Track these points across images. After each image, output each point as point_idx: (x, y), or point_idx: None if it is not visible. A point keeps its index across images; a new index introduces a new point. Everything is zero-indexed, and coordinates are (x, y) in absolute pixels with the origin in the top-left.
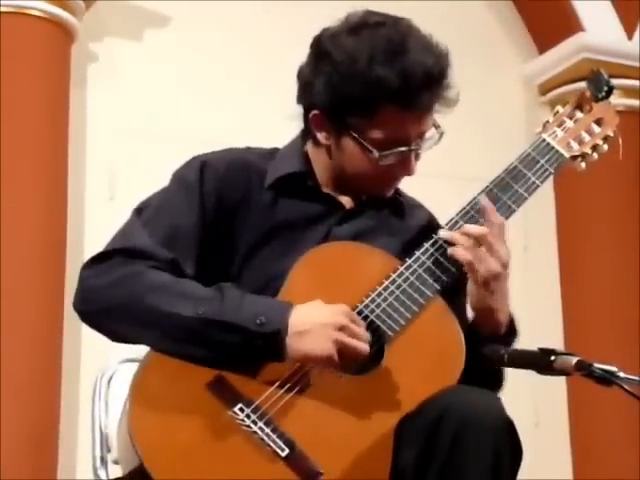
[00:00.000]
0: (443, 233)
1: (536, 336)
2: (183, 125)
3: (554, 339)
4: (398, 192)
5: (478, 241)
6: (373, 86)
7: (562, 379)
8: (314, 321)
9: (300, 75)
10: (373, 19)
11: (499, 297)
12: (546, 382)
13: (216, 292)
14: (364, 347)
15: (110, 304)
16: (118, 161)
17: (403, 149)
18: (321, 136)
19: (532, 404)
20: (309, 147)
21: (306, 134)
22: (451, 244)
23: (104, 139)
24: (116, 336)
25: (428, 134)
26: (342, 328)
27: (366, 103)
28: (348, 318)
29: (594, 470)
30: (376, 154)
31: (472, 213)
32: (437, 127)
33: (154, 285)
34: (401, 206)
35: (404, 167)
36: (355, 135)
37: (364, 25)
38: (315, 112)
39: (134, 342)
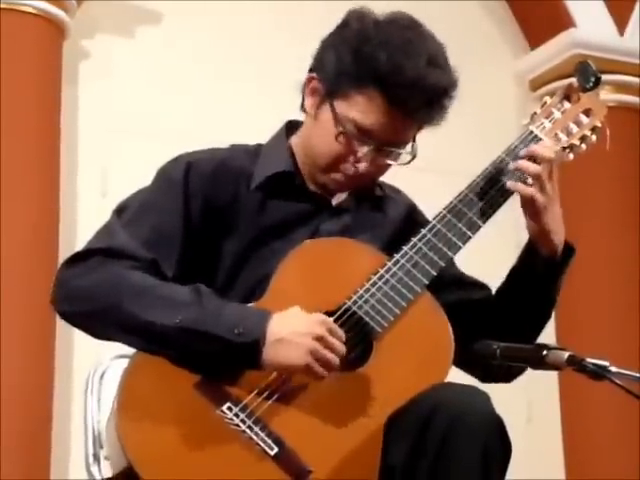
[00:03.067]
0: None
1: None
2: (175, 122)
3: (546, 334)
4: (379, 184)
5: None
6: (370, 66)
7: (554, 374)
8: (291, 330)
9: (321, 44)
10: (405, 21)
11: (555, 219)
12: (538, 378)
13: (194, 297)
14: (335, 360)
15: (89, 308)
16: (110, 158)
17: (371, 142)
18: (308, 102)
19: (524, 400)
20: (294, 140)
21: (291, 129)
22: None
23: (96, 136)
24: (96, 336)
25: (406, 149)
26: (318, 338)
27: (357, 79)
28: (325, 328)
29: (586, 466)
30: (339, 128)
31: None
32: (412, 147)
33: (133, 290)
34: (383, 199)
35: (365, 163)
36: (334, 108)
37: (393, 21)
38: (311, 74)
39: (115, 341)
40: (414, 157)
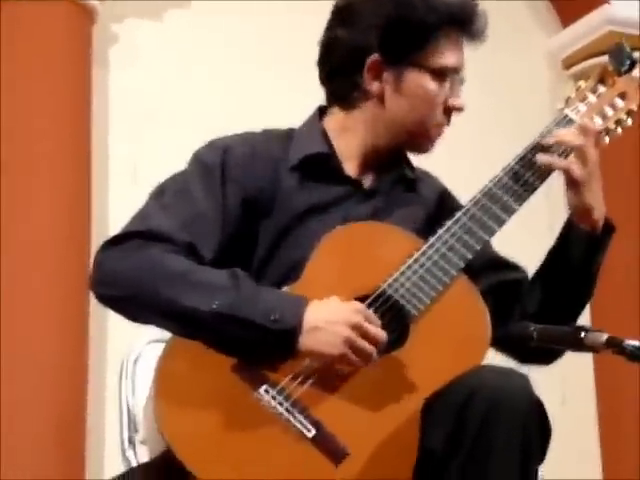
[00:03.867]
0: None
1: None
2: (206, 107)
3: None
4: (410, 166)
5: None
6: (435, 10)
7: (589, 356)
8: (327, 318)
9: (335, 39)
10: None
11: (596, 195)
12: (573, 360)
13: (231, 281)
14: (372, 351)
15: (128, 292)
16: (141, 144)
17: (458, 76)
18: (375, 87)
19: (559, 382)
20: (331, 121)
21: (324, 113)
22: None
23: (127, 122)
24: (133, 320)
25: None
26: (355, 327)
27: (428, 29)
28: (362, 316)
29: (622, 447)
30: (444, 77)
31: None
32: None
33: (170, 274)
34: (414, 181)
35: (458, 99)
36: (421, 65)
37: None
38: (373, 57)
39: (152, 325)
40: (463, 82)
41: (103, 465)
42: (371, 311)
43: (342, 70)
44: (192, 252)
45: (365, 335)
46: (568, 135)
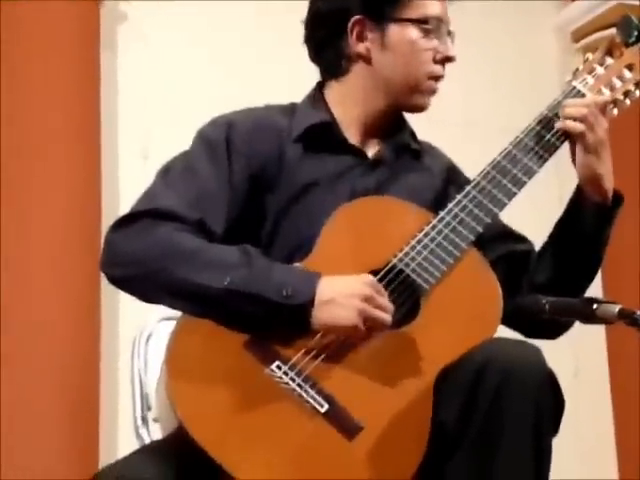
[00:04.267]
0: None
1: None
2: (215, 84)
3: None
4: (415, 138)
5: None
6: None
7: (601, 328)
8: (339, 291)
9: (319, 11)
10: None
11: (606, 163)
12: (585, 331)
13: (242, 258)
14: (387, 318)
15: (139, 272)
16: (151, 120)
17: (443, 26)
18: (362, 47)
19: (571, 354)
20: (330, 92)
21: (324, 81)
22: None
23: (136, 99)
24: (144, 300)
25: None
26: (367, 299)
27: None
28: (373, 289)
29: (635, 418)
30: (421, 28)
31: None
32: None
33: (181, 252)
34: (419, 152)
35: (447, 48)
36: (402, 19)
37: None
38: (356, 17)
39: (162, 305)
40: (453, 37)
41: (117, 443)
42: (379, 284)
43: (328, 41)
44: (202, 229)
45: (377, 306)
46: (572, 107)
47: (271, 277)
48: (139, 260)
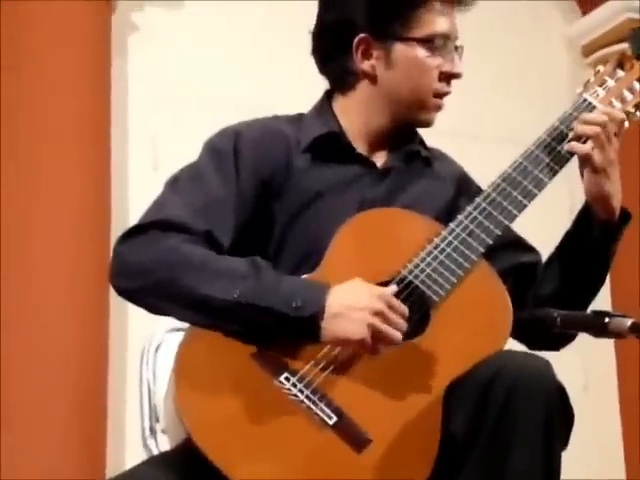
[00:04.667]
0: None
1: None
2: (225, 93)
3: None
4: (424, 145)
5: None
6: None
7: (610, 342)
8: (350, 304)
9: (323, 25)
10: None
11: (614, 183)
12: (594, 345)
13: (251, 270)
14: (397, 335)
15: (147, 283)
16: (161, 131)
17: (450, 43)
18: (366, 65)
19: (581, 367)
20: (337, 104)
21: (332, 91)
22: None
23: (146, 109)
24: (153, 311)
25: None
26: (378, 313)
27: (406, 5)
28: (385, 303)
29: None
30: (432, 44)
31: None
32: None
33: (190, 264)
34: (429, 160)
35: (453, 65)
36: (407, 38)
37: None
38: (361, 36)
39: (170, 317)
40: (462, 51)
41: (124, 454)
42: (393, 297)
43: (333, 55)
44: (209, 240)
45: (387, 322)
46: (583, 125)
47: (280, 289)
48: (147, 271)
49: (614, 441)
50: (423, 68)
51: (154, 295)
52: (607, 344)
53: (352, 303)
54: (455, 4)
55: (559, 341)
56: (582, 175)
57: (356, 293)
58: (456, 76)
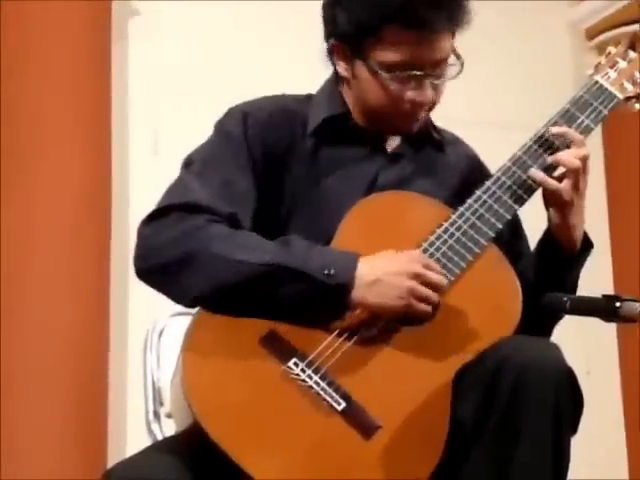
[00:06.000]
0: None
1: (583, 280)
2: (226, 79)
3: (603, 282)
4: (436, 129)
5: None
6: (376, 5)
7: (613, 326)
8: (385, 270)
9: (324, 8)
10: None
11: (579, 214)
12: (596, 330)
13: (282, 242)
14: (435, 297)
15: (175, 257)
16: (161, 116)
17: (413, 72)
18: (340, 68)
19: (583, 352)
20: (344, 89)
21: (336, 73)
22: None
23: (147, 94)
24: (178, 293)
25: (450, 62)
26: (416, 276)
27: (372, 24)
28: (422, 264)
29: None
30: (384, 75)
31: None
32: (458, 57)
33: (219, 235)
34: (441, 143)
35: (419, 93)
36: (365, 60)
37: None
38: (333, 41)
39: (194, 296)
40: (462, 65)
41: (125, 439)
42: (428, 258)
43: (327, 54)
44: (234, 222)
45: (427, 283)
46: (564, 157)
47: (311, 257)
48: (174, 247)
49: (616, 425)
50: (384, 92)
51: (180, 270)
52: (609, 329)
53: (388, 268)
54: (421, 30)
55: (544, 330)
56: (545, 203)
57: (389, 259)
58: (422, 105)
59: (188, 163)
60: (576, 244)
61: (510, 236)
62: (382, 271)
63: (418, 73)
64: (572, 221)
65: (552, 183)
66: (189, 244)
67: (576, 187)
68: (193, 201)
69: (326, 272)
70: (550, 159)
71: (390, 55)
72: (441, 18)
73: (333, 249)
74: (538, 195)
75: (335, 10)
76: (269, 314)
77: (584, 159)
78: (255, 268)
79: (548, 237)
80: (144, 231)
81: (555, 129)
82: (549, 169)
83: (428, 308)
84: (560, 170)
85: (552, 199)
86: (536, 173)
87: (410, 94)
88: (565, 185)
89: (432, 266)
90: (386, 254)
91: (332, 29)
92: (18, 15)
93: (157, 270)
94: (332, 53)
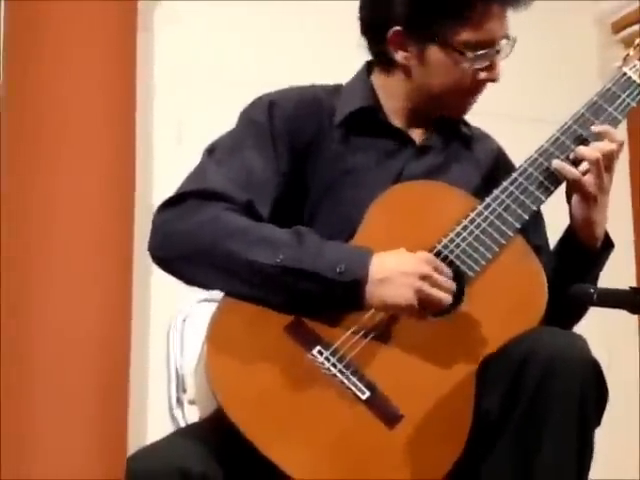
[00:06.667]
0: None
1: (606, 272)
2: (250, 67)
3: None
4: (465, 123)
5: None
6: None
7: (634, 321)
8: (396, 269)
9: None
10: None
11: (602, 211)
12: (618, 324)
13: (295, 237)
14: (446, 298)
15: (189, 250)
16: (186, 104)
17: (492, 49)
18: (400, 56)
19: (604, 346)
20: (376, 79)
21: (373, 64)
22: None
23: (172, 83)
24: (192, 281)
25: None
26: (425, 277)
27: (458, 4)
28: (432, 267)
29: None
30: (470, 55)
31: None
32: (508, 37)
33: (232, 230)
34: (470, 138)
35: (491, 71)
36: (444, 41)
37: None
38: (395, 29)
39: (210, 287)
40: (515, 41)
41: (146, 427)
42: (439, 261)
43: (369, 36)
44: (250, 210)
45: (435, 285)
46: (584, 149)
47: (324, 254)
48: (189, 238)
49: (635, 418)
50: (457, 73)
51: (196, 263)
52: (631, 323)
53: (398, 267)
54: (507, 5)
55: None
56: (568, 198)
57: (401, 258)
58: (493, 81)
59: (210, 150)
60: (597, 242)
61: (531, 228)
62: (393, 269)
63: (494, 49)
64: (593, 217)
65: (573, 172)
66: (204, 238)
67: (599, 180)
68: (210, 188)
69: (338, 269)
70: (573, 153)
71: (472, 34)
72: None
73: (346, 245)
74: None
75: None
76: (286, 309)
77: (609, 154)
78: (266, 268)
79: (569, 233)
80: (160, 218)
81: (597, 128)
82: (575, 162)
83: (434, 310)
84: (585, 165)
85: (574, 190)
86: (558, 163)
87: (483, 73)
88: (588, 178)
89: (443, 270)
90: (399, 253)
91: (387, 15)
92: (41, 5)
93: (172, 260)
94: (387, 41)
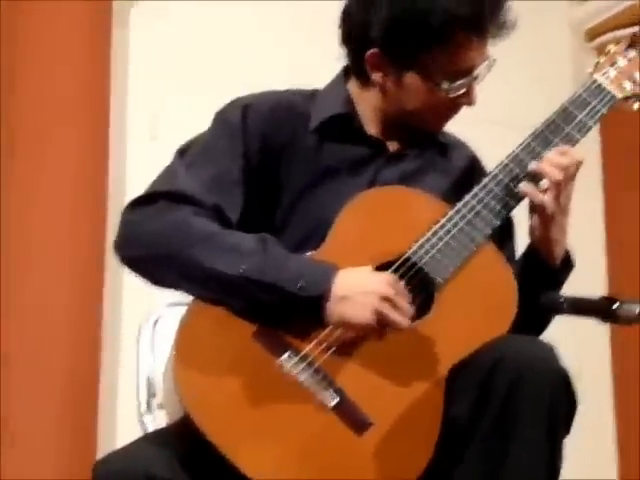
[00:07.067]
0: (531, 165)
1: (576, 279)
2: (226, 65)
3: (596, 282)
4: (441, 132)
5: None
6: (446, 15)
7: (605, 329)
8: (358, 288)
9: (349, 14)
10: None
11: (562, 230)
12: (588, 332)
13: (259, 246)
14: (404, 322)
15: (153, 253)
16: (160, 101)
17: (470, 77)
18: (376, 76)
19: (575, 354)
20: (353, 87)
21: (349, 73)
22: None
23: (146, 79)
24: (156, 283)
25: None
26: (386, 299)
27: (439, 34)
28: (393, 289)
29: (636, 419)
30: (446, 86)
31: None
32: (486, 58)
33: (198, 237)
34: (445, 146)
35: (468, 97)
36: (422, 70)
37: None
38: (373, 51)
39: (174, 289)
40: (494, 61)
41: (115, 430)
42: (402, 285)
43: (347, 50)
44: (219, 214)
45: (395, 308)
46: (547, 167)
47: (287, 267)
48: (155, 242)
49: (606, 427)
50: (434, 100)
51: (159, 266)
52: (601, 332)
53: (360, 287)
54: (487, 36)
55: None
56: (530, 214)
57: (365, 277)
58: (469, 105)
59: (182, 151)
60: (556, 260)
61: (504, 236)
62: (353, 288)
63: (471, 77)
64: (552, 236)
65: (536, 195)
66: (169, 243)
67: (557, 201)
68: (180, 190)
69: (300, 284)
70: (532, 167)
71: (452, 64)
72: (501, 23)
73: (311, 259)
74: None
75: (374, 16)
76: (249, 317)
77: (568, 168)
78: (229, 278)
79: (530, 249)
80: (129, 216)
81: (559, 149)
82: (535, 177)
83: (389, 333)
84: (545, 182)
85: (532, 209)
86: (522, 185)
87: (463, 100)
88: (547, 197)
89: (403, 292)
90: (363, 271)
91: (366, 36)
92: (19, 3)
93: (136, 261)
94: (364, 61)
